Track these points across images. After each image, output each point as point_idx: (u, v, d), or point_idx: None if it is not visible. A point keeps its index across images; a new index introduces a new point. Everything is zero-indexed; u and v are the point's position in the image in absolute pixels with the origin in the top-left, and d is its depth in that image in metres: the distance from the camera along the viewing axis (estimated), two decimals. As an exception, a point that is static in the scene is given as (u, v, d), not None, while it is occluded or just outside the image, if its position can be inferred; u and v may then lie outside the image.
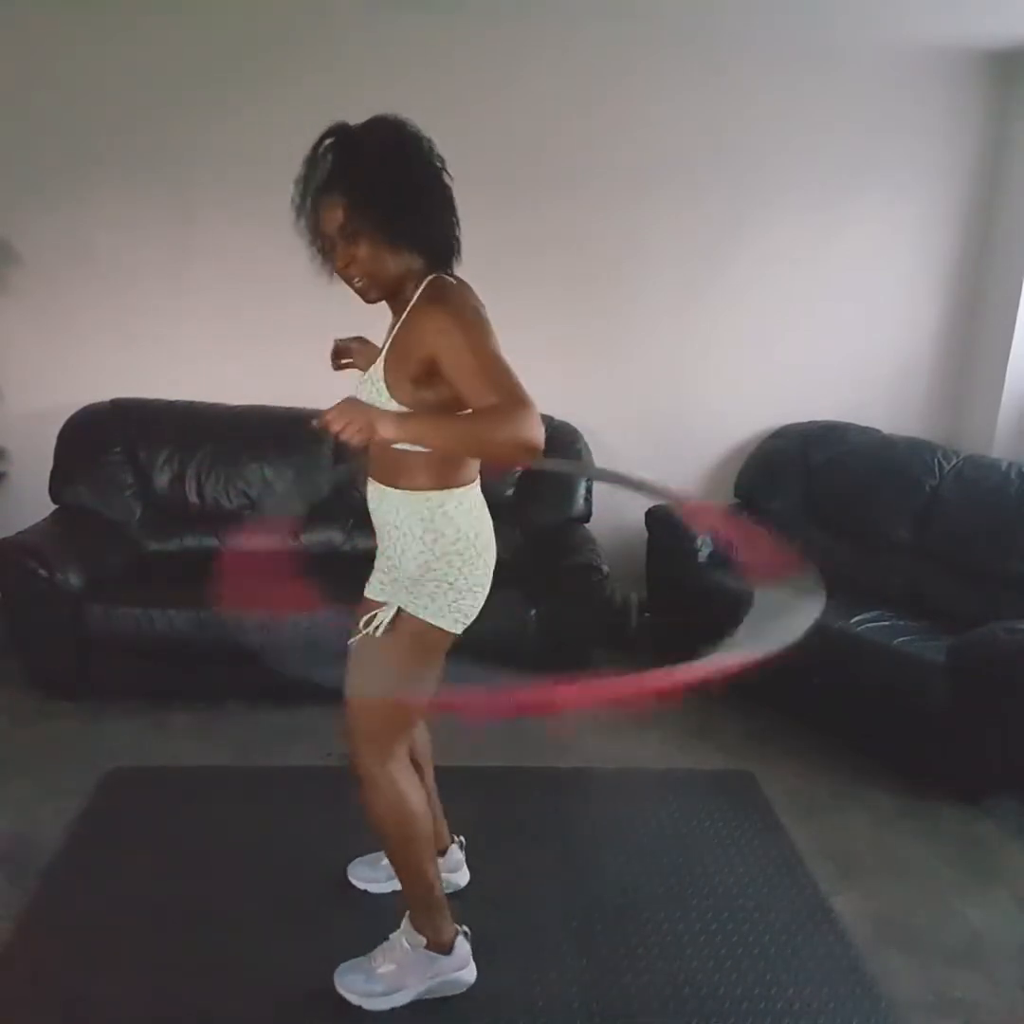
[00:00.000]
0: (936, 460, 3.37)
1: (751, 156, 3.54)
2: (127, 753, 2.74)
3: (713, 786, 2.74)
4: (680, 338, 3.73)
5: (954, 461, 3.37)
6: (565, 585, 3.10)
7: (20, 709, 2.98)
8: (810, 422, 3.76)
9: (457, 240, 1.66)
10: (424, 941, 1.86)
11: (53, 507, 3.31)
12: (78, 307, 3.49)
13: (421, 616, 1.68)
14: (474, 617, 1.74)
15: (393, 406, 1.60)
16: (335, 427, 1.49)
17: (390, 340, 1.66)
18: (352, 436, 1.48)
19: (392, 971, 1.86)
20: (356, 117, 1.59)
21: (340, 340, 1.94)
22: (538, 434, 1.43)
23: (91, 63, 3.25)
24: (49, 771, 2.64)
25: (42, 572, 2.85)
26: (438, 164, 1.61)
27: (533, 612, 3.05)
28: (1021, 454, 3.50)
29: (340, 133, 1.58)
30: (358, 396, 1.66)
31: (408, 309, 1.62)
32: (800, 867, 2.37)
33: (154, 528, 3.39)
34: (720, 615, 1.80)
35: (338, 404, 1.51)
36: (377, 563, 1.89)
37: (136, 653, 2.95)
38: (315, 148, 1.58)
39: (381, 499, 1.76)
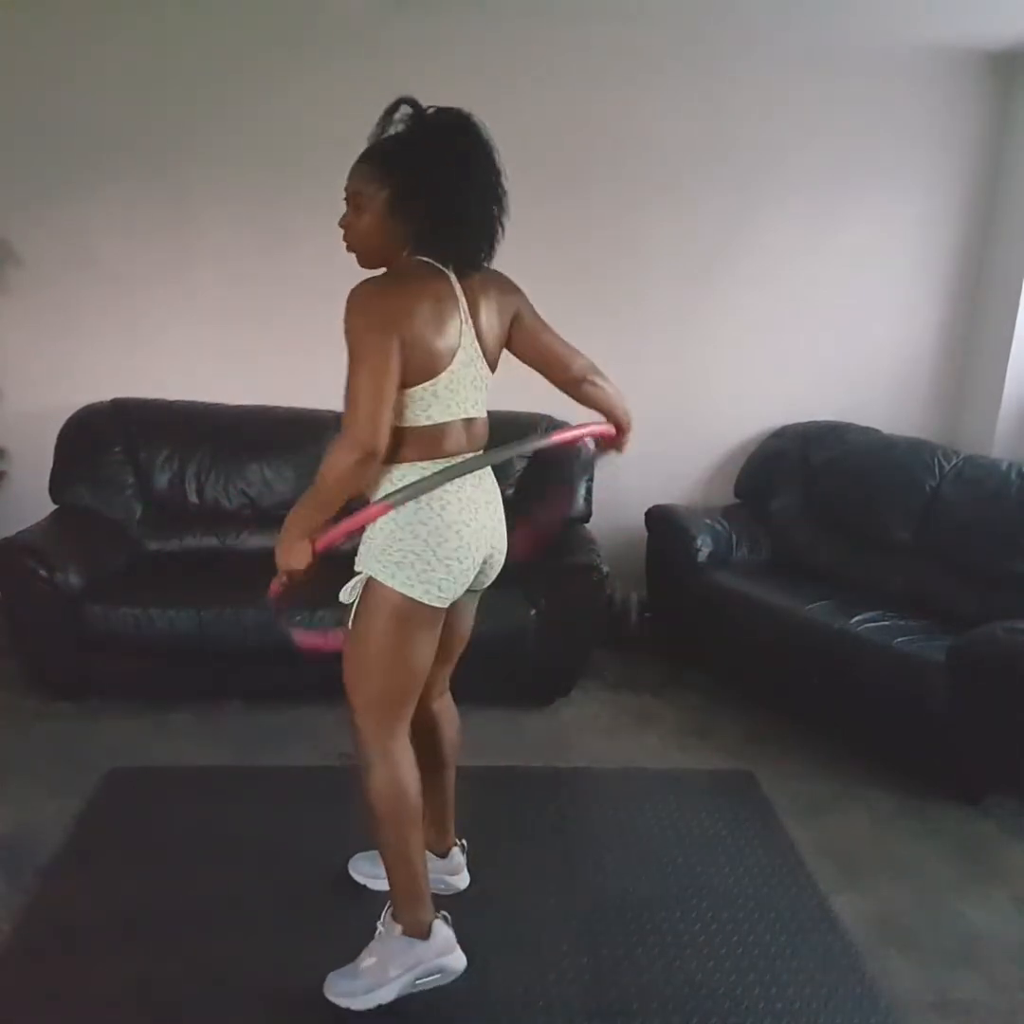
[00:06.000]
0: (936, 460, 3.37)
1: (752, 157, 3.54)
2: (127, 753, 2.74)
3: (713, 786, 2.74)
4: (680, 338, 3.73)
5: (954, 461, 3.37)
6: (565, 585, 3.10)
7: (20, 709, 2.98)
8: (810, 422, 3.76)
9: (486, 248, 1.74)
10: (400, 928, 1.82)
11: (53, 507, 3.31)
12: (78, 307, 3.49)
13: (390, 584, 1.67)
14: (454, 593, 1.72)
15: None
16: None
17: None
18: (290, 578, 1.69)
19: (373, 964, 1.82)
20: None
21: None
22: (347, 461, 1.54)
23: (92, 64, 3.26)
24: (49, 771, 2.64)
25: (42, 572, 2.85)
26: (491, 172, 1.62)
27: (533, 612, 3.04)
28: (1021, 454, 3.50)
29: (412, 106, 1.59)
30: None
31: None
32: (800, 867, 2.37)
33: (154, 528, 3.39)
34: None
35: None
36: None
37: (136, 653, 2.95)
38: (388, 111, 1.59)
39: None
